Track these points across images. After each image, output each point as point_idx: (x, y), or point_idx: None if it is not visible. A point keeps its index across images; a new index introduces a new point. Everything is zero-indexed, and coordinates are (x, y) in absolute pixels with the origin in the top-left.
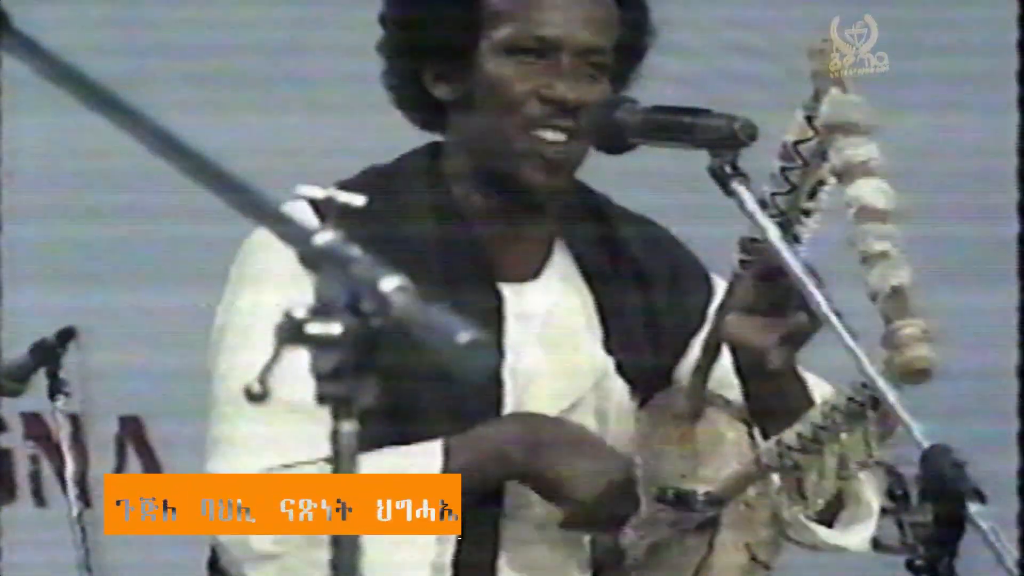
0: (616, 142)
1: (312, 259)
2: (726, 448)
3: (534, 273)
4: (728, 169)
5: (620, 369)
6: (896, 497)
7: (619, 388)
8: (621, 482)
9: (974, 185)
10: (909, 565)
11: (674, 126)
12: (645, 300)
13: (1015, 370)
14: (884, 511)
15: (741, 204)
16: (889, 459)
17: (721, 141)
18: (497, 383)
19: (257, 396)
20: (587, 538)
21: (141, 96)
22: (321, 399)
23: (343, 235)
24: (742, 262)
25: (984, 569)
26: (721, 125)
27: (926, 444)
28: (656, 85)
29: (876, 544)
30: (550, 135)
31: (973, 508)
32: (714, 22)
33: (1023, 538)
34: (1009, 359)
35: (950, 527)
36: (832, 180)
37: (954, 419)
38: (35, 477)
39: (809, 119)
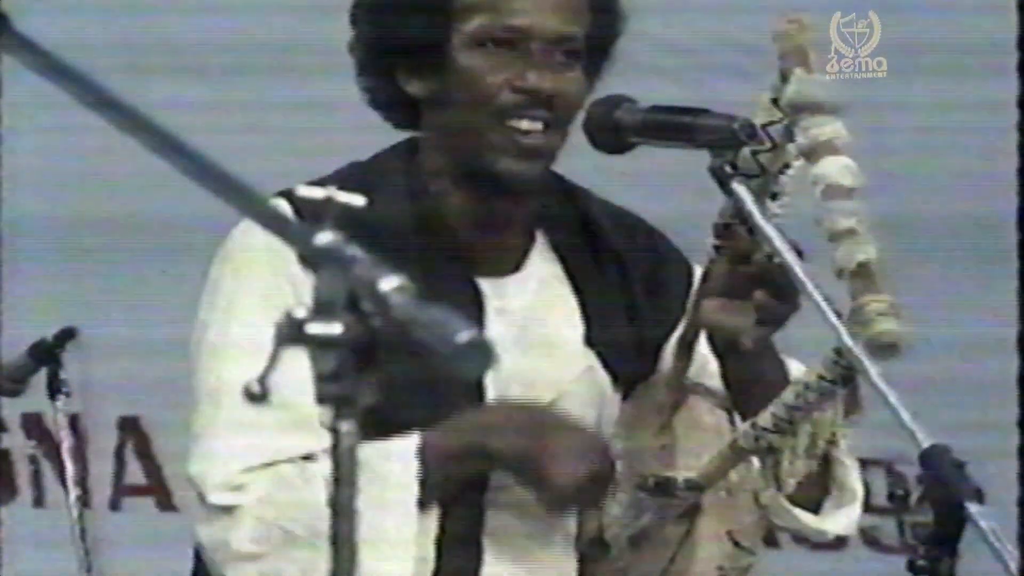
0: (615, 142)
1: (311, 259)
2: (706, 435)
3: (514, 267)
4: (728, 169)
5: (602, 361)
6: (896, 497)
7: (602, 379)
8: (601, 466)
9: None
10: (909, 565)
11: (673, 126)
12: (626, 292)
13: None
14: (884, 511)
15: (741, 203)
16: (889, 458)
17: (720, 141)
18: (478, 378)
19: (256, 396)
20: (573, 520)
21: (140, 91)
22: (321, 399)
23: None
24: (716, 247)
25: (984, 569)
26: (720, 125)
27: (926, 444)
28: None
29: (876, 544)
30: (525, 124)
31: (973, 508)
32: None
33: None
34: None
35: (950, 527)
36: (797, 162)
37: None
38: (35, 477)
39: (775, 100)
